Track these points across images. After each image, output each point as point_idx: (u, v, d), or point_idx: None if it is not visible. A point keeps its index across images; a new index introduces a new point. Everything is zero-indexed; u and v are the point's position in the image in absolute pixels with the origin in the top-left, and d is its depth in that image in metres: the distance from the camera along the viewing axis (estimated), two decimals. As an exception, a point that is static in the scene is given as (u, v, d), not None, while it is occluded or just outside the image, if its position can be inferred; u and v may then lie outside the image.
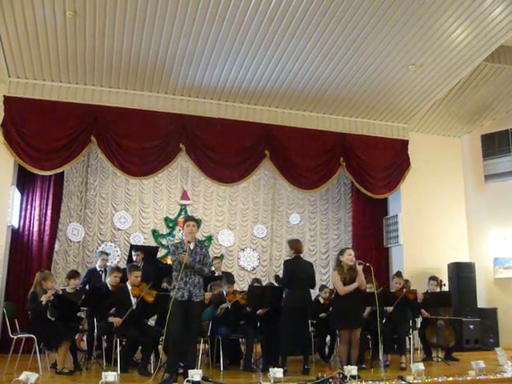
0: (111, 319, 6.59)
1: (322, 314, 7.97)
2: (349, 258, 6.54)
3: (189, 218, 6.27)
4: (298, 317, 6.76)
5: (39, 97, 8.59)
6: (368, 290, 7.32)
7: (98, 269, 8.62)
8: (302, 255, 7.12)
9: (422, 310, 8.08)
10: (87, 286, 8.26)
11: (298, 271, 6.88)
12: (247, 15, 7.27)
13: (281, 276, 7.68)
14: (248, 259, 11.19)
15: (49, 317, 6.43)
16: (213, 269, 9.26)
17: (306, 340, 7.03)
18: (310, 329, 8.11)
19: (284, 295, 7.07)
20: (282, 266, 7.91)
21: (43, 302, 6.20)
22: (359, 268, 6.45)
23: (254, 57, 8.28)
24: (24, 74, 8.43)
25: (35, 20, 7.23)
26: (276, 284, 8.15)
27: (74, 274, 7.18)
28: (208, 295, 7.09)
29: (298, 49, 8.10)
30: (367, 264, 6.58)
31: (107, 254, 9.07)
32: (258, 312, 7.27)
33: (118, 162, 8.92)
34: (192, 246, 5.92)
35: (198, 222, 6.31)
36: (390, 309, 7.53)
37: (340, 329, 6.58)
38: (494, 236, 10.55)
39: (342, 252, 6.73)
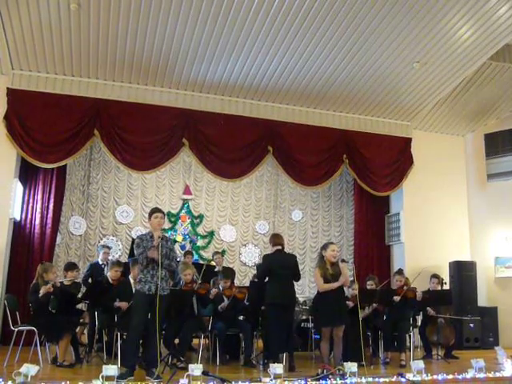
0: (117, 304, 6.67)
1: None
2: (332, 253, 6.13)
3: (157, 210, 5.92)
4: (279, 313, 6.46)
5: (43, 89, 8.56)
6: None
7: (100, 262, 8.65)
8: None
9: (428, 309, 8.08)
10: (90, 280, 8.32)
11: (277, 265, 6.60)
12: (252, 10, 7.24)
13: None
14: (250, 255, 11.22)
15: (50, 309, 6.44)
16: (213, 263, 9.31)
17: (290, 337, 6.77)
18: (310, 325, 8.14)
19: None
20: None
21: (40, 295, 6.19)
22: (342, 265, 6.16)
23: (258, 52, 8.26)
24: (27, 66, 8.42)
25: (39, 12, 7.22)
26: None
27: (71, 266, 7.11)
28: (215, 291, 7.10)
29: (303, 45, 8.08)
30: (347, 262, 6.36)
31: (109, 248, 9.13)
32: None
33: (121, 155, 8.90)
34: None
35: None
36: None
37: (322, 327, 6.22)
38: (496, 235, 10.54)
39: (325, 247, 6.29)
